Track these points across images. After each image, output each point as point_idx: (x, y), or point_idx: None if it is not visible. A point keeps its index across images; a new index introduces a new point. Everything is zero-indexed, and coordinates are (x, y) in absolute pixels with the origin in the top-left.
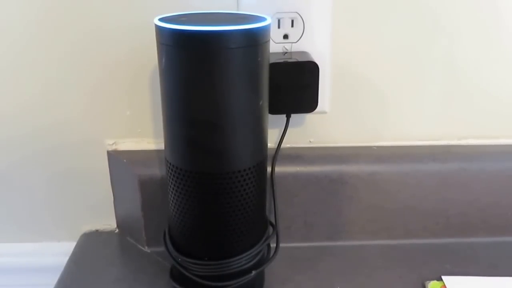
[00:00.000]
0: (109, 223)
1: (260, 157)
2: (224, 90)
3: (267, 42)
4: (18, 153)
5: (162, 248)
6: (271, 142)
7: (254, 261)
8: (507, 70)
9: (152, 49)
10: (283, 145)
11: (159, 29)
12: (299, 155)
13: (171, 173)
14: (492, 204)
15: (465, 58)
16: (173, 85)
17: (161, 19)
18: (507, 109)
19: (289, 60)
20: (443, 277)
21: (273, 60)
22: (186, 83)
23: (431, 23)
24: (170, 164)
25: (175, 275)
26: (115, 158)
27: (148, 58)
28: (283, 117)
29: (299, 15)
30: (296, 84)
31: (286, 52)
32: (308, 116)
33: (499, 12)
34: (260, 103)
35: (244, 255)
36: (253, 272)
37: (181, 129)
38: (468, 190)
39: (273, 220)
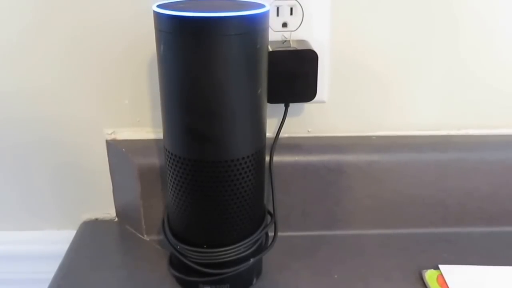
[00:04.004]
0: (108, 211)
1: (259, 146)
2: (223, 77)
3: (266, 29)
4: (18, 143)
5: (161, 237)
6: (270, 132)
7: (252, 249)
8: (506, 60)
9: (150, 37)
10: (281, 135)
11: (157, 16)
12: (297, 145)
13: (170, 161)
14: (490, 194)
15: (465, 48)
16: (172, 72)
17: (159, 6)
18: (506, 99)
19: (288, 49)
20: (440, 266)
21: (272, 48)
22: (184, 70)
23: (432, 13)
24: (168, 152)
25: (174, 262)
26: (114, 147)
27: (146, 46)
28: (281, 106)
29: (298, 2)
30: (295, 73)
31: (285, 41)
32: (307, 106)
33: (498, 3)
34: (259, 91)
35: (242, 243)
36: (251, 260)
37: (179, 117)
38: (467, 180)
39: (271, 209)
